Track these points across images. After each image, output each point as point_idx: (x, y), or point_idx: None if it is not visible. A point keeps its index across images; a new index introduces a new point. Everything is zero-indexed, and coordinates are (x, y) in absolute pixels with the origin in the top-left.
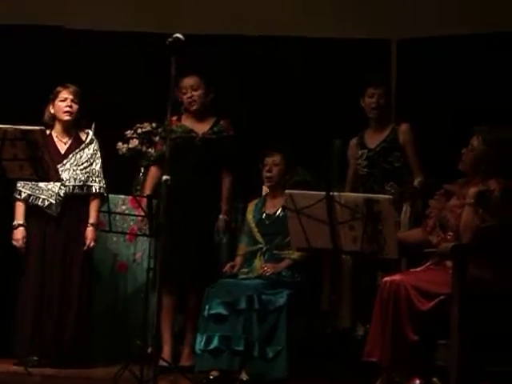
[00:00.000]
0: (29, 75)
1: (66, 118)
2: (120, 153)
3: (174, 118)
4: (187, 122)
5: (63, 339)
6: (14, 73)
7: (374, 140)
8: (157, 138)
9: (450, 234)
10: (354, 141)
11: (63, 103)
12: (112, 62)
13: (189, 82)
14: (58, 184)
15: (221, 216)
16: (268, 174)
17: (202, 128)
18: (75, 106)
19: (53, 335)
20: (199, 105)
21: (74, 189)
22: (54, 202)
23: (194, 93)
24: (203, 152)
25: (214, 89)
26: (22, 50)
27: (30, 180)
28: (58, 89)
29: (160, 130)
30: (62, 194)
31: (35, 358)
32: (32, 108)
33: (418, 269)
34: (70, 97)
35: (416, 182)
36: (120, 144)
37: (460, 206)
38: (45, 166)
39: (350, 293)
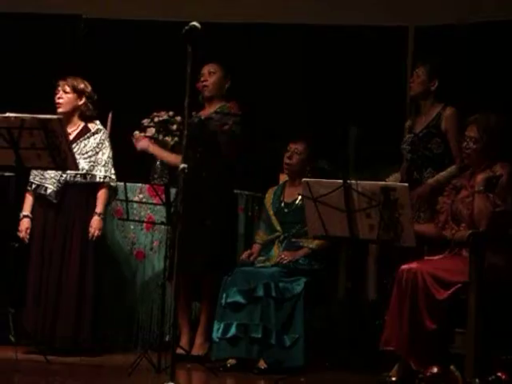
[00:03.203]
0: (47, 64)
1: (59, 110)
2: None
3: (194, 113)
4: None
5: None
6: (33, 62)
7: (420, 125)
8: (174, 127)
9: (463, 225)
10: (406, 125)
11: (56, 96)
12: (129, 50)
13: (207, 67)
14: (60, 172)
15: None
16: (288, 161)
17: (208, 111)
18: (67, 96)
19: (55, 322)
20: (212, 91)
21: (75, 177)
22: (54, 189)
23: (209, 78)
24: (196, 130)
25: (230, 78)
26: (40, 39)
27: (48, 169)
28: (57, 83)
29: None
30: (61, 182)
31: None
32: (50, 98)
33: (434, 257)
34: (60, 88)
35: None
36: (137, 132)
37: (470, 195)
38: (62, 155)
39: (375, 266)
